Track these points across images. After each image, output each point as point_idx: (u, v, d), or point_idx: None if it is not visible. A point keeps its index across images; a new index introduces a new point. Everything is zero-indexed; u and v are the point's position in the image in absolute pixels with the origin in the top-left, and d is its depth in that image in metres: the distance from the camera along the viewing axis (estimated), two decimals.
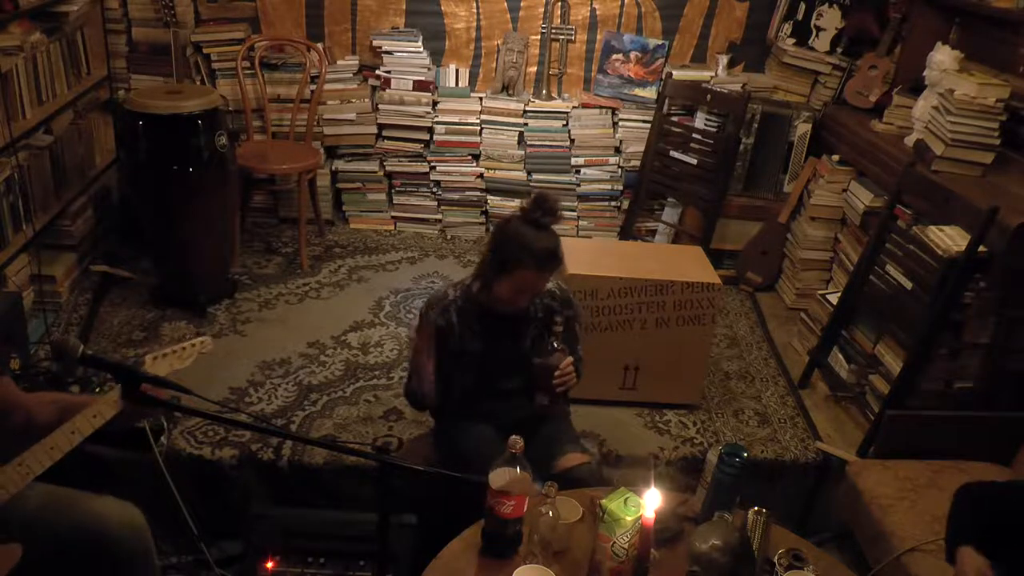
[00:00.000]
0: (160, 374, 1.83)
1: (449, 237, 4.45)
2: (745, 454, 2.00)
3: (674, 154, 4.18)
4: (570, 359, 2.28)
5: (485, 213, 4.44)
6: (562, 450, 2.38)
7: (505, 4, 4.27)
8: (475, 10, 4.28)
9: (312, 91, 4.07)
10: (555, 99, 4.37)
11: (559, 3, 4.25)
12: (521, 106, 4.30)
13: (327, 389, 3.11)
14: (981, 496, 2.05)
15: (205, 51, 4.09)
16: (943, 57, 3.32)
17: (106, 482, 1.80)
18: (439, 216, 4.44)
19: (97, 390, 2.71)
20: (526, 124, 4.34)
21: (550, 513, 1.84)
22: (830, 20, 4.12)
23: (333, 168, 4.32)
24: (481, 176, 4.35)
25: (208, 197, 3.36)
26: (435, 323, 2.33)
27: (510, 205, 4.35)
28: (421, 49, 4.18)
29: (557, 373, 2.26)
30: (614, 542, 1.78)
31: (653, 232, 4.39)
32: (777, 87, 4.24)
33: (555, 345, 2.30)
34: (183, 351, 1.97)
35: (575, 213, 4.40)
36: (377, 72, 4.23)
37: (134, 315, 3.47)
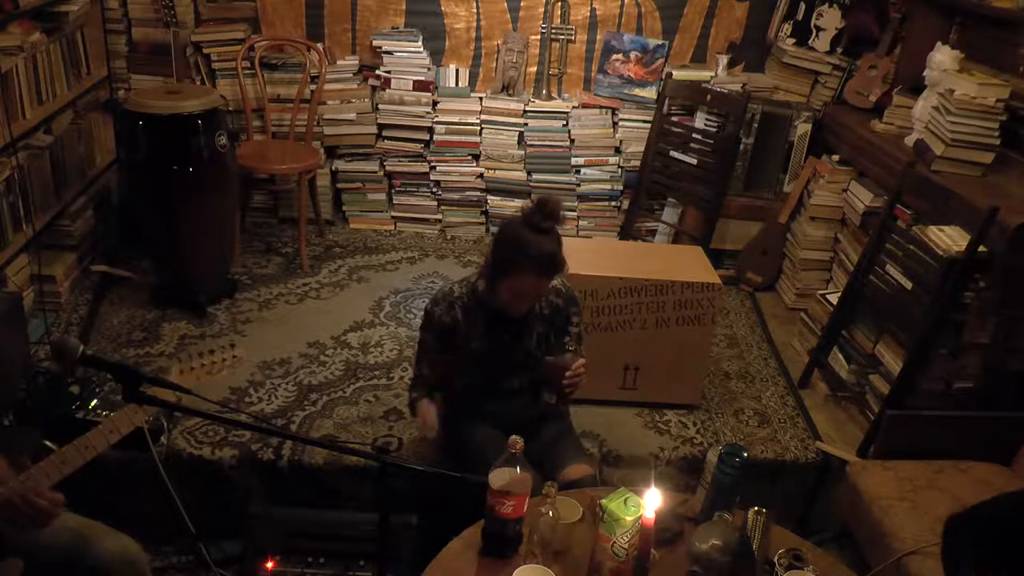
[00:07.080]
0: (187, 387, 1.79)
1: (449, 237, 4.45)
2: (745, 454, 2.00)
3: (674, 154, 4.18)
4: (582, 361, 2.28)
5: (485, 213, 4.44)
6: (565, 461, 2.38)
7: (505, 4, 4.27)
8: (475, 10, 4.28)
9: (312, 91, 4.07)
10: (555, 99, 4.37)
11: (559, 3, 4.25)
12: (521, 106, 4.30)
13: (327, 389, 3.11)
14: (971, 524, 2.02)
15: (205, 51, 4.09)
16: (943, 57, 3.32)
17: (106, 486, 1.78)
18: (439, 216, 4.44)
19: (97, 390, 2.71)
20: (526, 124, 4.34)
21: (550, 513, 1.84)
22: (830, 20, 4.11)
23: (333, 168, 4.32)
24: (481, 176, 4.35)
25: (208, 197, 3.36)
26: (440, 320, 2.34)
27: (510, 205, 4.35)
28: (421, 49, 4.18)
29: (568, 374, 2.25)
30: (614, 542, 1.78)
31: (653, 232, 4.39)
32: (777, 87, 4.24)
33: (569, 346, 2.30)
34: (212, 365, 1.92)
35: (575, 213, 4.40)
36: (377, 72, 4.23)
37: (134, 315, 3.47)
